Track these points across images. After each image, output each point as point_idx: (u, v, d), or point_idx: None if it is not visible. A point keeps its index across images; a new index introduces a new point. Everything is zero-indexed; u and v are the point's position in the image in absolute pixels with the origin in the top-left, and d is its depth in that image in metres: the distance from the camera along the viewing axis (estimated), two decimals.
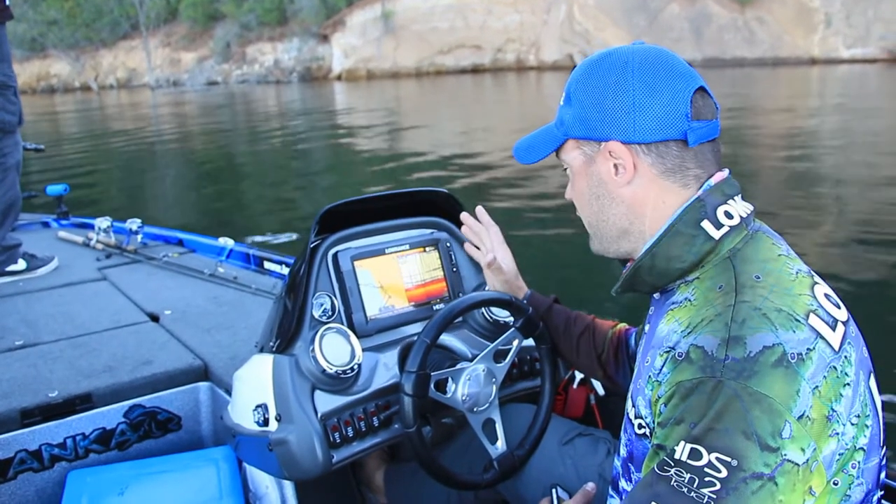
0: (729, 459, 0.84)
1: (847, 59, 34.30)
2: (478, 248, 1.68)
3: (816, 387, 0.89)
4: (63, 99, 39.64)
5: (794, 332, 0.91)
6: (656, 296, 1.17)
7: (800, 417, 0.86)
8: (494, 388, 1.54)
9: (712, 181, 1.09)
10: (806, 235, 6.44)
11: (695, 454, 0.86)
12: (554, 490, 1.45)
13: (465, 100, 25.56)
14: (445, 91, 30.04)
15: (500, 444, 1.54)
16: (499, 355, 1.56)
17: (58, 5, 48.90)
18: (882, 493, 1.05)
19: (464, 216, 1.70)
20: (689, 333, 0.97)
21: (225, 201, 10.00)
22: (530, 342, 1.60)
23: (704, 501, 0.84)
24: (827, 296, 1.01)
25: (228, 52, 46.28)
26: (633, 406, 1.09)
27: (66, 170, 12.10)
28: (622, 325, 1.58)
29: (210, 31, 47.48)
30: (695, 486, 0.85)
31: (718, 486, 0.84)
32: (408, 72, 42.01)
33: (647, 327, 1.18)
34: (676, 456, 0.88)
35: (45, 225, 4.18)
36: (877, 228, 6.70)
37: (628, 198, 1.12)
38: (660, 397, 0.97)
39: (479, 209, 1.70)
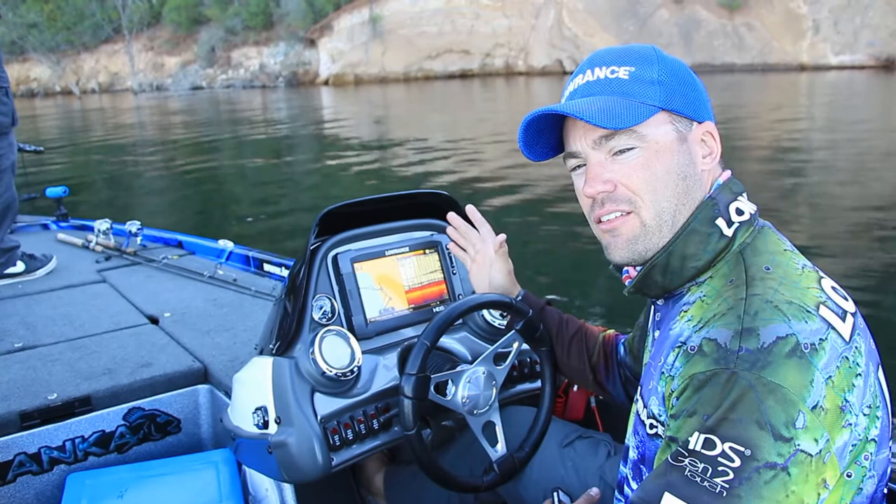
0: (742, 449, 0.84)
1: (835, 66, 34.47)
2: (464, 249, 1.70)
3: (830, 377, 0.89)
4: (44, 103, 39.30)
5: (807, 322, 0.92)
6: (660, 302, 1.17)
7: (813, 408, 0.87)
8: (494, 390, 1.55)
9: (721, 179, 1.12)
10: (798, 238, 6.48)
11: (709, 444, 0.86)
12: (555, 493, 1.45)
13: (453, 105, 25.55)
14: (434, 96, 30.01)
15: (501, 447, 1.54)
16: (499, 358, 1.57)
17: (38, 8, 48.33)
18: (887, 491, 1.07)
19: (450, 216, 1.71)
20: (701, 328, 0.98)
21: (208, 204, 9.97)
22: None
23: (717, 491, 0.84)
24: (834, 288, 1.02)
25: (213, 57, 45.96)
26: (645, 407, 1.09)
27: (49, 174, 12.00)
28: (611, 331, 1.59)
29: (194, 36, 47.14)
30: (708, 475, 0.85)
31: (731, 475, 0.84)
32: (396, 77, 41.94)
33: (656, 334, 1.17)
34: (690, 446, 0.88)
35: (45, 227, 4.17)
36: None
37: (706, 183, 1.11)
38: (673, 391, 0.97)
39: (470, 208, 1.71)
